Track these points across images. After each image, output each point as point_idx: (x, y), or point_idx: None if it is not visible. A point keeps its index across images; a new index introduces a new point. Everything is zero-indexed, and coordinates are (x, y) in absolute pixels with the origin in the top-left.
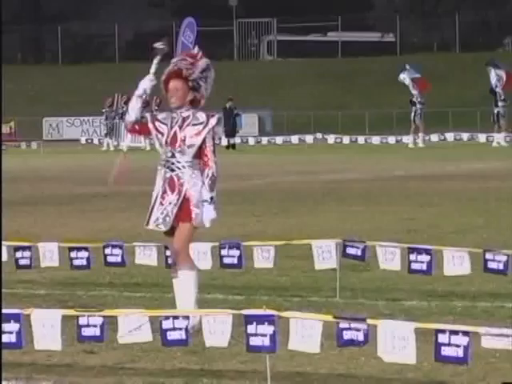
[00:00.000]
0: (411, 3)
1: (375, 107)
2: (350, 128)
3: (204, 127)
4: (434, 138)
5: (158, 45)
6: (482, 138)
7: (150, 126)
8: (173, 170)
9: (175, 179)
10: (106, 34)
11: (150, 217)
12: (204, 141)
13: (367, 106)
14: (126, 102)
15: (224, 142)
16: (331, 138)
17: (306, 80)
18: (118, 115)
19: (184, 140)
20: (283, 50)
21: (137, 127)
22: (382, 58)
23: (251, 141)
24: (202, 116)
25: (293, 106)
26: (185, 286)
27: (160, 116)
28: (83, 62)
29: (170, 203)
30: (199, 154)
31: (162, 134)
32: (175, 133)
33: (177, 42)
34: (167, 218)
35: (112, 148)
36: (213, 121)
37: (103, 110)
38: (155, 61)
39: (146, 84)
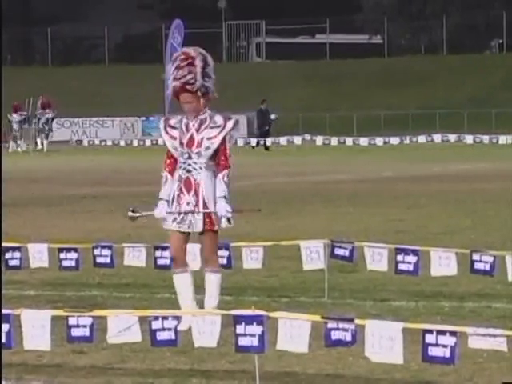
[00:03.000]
0: (399, 6)
1: (363, 109)
2: (338, 129)
3: (221, 130)
4: (422, 139)
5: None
6: (469, 139)
7: (163, 133)
8: (189, 171)
9: (192, 180)
10: (95, 36)
11: (168, 217)
12: (222, 143)
13: (355, 108)
14: (44, 106)
15: (254, 142)
16: (319, 140)
17: (295, 82)
18: (26, 119)
19: (201, 142)
20: (272, 52)
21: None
22: (370, 60)
23: (240, 142)
24: (219, 119)
25: (281, 107)
26: (212, 286)
27: (172, 121)
28: (73, 64)
29: (188, 203)
30: (215, 156)
31: (175, 139)
32: (192, 135)
33: (166, 44)
34: (188, 220)
35: (21, 150)
36: (230, 124)
37: (8, 115)
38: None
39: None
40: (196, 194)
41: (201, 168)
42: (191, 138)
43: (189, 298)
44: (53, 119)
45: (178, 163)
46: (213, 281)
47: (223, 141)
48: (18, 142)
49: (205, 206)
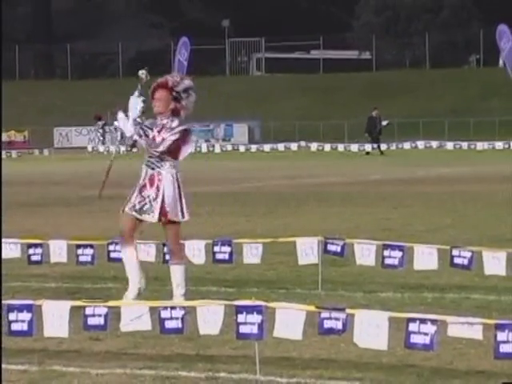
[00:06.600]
0: (386, 25)
1: (354, 118)
2: (330, 136)
3: (172, 134)
4: (407, 145)
5: (141, 73)
6: (449, 145)
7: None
8: (153, 169)
9: (155, 176)
10: (110, 52)
11: (127, 204)
12: (172, 143)
13: (346, 117)
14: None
15: (368, 147)
16: (314, 146)
17: (292, 93)
18: (107, 126)
19: (160, 144)
20: (271, 67)
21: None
22: (360, 74)
23: (241, 148)
24: (175, 123)
25: (279, 116)
26: (177, 277)
27: (146, 122)
28: (90, 78)
29: (148, 196)
30: (173, 154)
31: (148, 137)
32: (154, 137)
33: (174, 59)
34: (145, 209)
35: (105, 153)
36: (179, 128)
37: (98, 123)
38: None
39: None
40: (157, 188)
41: (162, 166)
42: (154, 140)
43: (135, 268)
44: None
45: (145, 160)
46: (176, 272)
47: (174, 141)
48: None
49: (163, 200)
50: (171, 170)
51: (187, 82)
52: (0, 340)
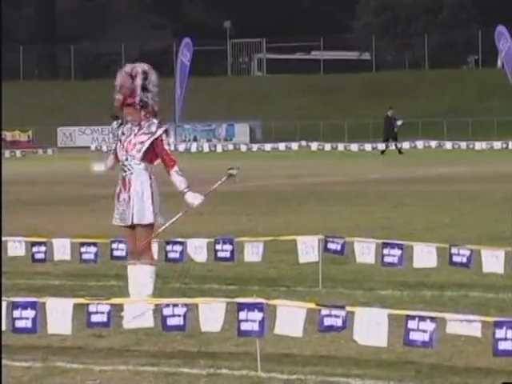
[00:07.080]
0: (386, 26)
1: (353, 118)
2: (331, 136)
3: (151, 136)
4: (406, 145)
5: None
6: (448, 145)
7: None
8: (125, 172)
9: (127, 179)
10: (113, 52)
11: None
12: (154, 147)
13: (346, 117)
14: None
15: (382, 146)
16: (314, 146)
17: (292, 94)
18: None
19: (135, 146)
20: (271, 67)
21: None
22: (360, 75)
23: (243, 148)
24: (153, 126)
25: (280, 116)
26: (145, 277)
27: (125, 128)
28: (93, 78)
29: (124, 200)
30: (148, 158)
31: (121, 141)
32: (130, 140)
33: (176, 60)
34: (124, 215)
35: None
36: (159, 131)
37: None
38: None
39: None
40: (129, 191)
41: (133, 168)
42: (129, 143)
43: (132, 288)
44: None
45: (120, 164)
46: (142, 272)
47: (158, 144)
48: None
49: (133, 201)
50: (144, 172)
51: (138, 79)
52: (0, 337)
